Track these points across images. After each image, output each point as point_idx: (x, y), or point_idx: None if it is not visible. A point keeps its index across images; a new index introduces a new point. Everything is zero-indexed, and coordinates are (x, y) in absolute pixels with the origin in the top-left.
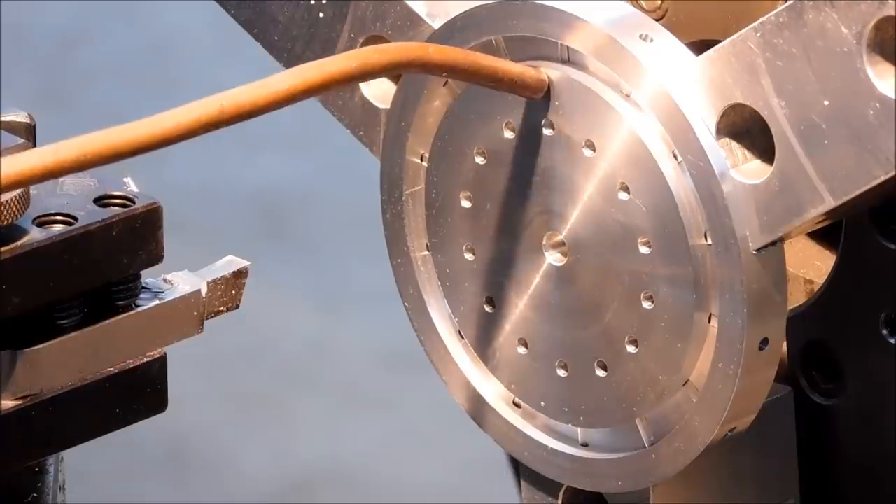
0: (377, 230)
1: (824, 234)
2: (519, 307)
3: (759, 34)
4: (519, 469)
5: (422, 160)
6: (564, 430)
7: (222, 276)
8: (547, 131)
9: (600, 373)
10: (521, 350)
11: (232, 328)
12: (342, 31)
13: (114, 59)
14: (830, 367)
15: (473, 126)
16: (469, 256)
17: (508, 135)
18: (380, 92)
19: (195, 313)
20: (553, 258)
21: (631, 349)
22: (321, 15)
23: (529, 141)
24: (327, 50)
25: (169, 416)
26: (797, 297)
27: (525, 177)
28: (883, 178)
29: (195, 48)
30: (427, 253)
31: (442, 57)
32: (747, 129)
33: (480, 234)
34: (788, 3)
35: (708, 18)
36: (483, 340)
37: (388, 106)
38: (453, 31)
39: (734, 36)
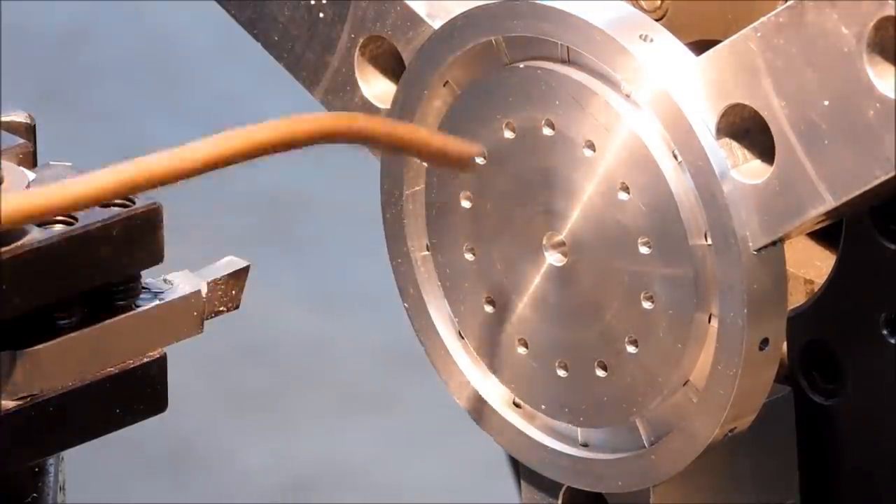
0: (377, 230)
1: (824, 234)
2: (519, 307)
3: (759, 34)
4: (519, 469)
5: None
6: (564, 430)
7: (222, 276)
8: (547, 131)
9: (600, 373)
10: (522, 350)
11: (232, 328)
12: (342, 31)
13: (114, 59)
14: (830, 367)
15: (473, 126)
16: (469, 256)
17: (508, 135)
18: (380, 92)
19: (195, 313)
20: (553, 258)
21: (631, 349)
22: (321, 15)
23: (529, 141)
24: (327, 50)
25: (169, 416)
26: (797, 297)
27: (525, 177)
28: (883, 178)
29: (195, 48)
30: (427, 253)
31: (370, 129)
32: (747, 129)
33: (480, 234)
34: (788, 3)
35: (708, 18)
36: (483, 340)
37: (388, 106)
38: (453, 31)
39: (734, 36)
